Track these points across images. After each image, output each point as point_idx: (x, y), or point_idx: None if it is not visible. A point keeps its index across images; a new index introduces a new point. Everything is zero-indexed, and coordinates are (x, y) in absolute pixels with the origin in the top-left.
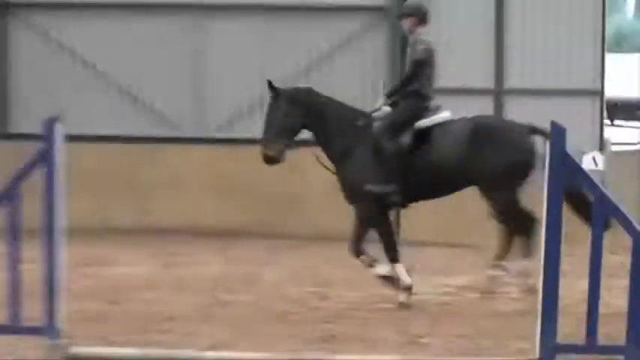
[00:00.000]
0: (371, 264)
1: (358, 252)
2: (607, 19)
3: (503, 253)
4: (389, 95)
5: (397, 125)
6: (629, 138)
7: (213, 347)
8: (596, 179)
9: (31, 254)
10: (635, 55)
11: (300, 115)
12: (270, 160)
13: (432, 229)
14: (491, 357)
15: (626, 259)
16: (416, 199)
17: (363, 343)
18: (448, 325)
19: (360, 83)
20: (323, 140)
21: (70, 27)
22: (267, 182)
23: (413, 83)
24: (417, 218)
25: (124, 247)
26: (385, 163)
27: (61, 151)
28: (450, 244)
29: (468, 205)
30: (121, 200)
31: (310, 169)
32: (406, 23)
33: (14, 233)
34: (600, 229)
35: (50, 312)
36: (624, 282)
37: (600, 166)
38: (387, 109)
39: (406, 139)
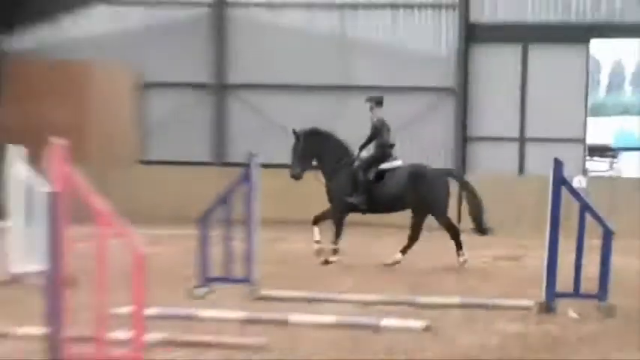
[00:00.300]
0: (316, 235)
1: (316, 222)
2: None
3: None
4: (360, 148)
5: (367, 165)
6: (602, 168)
7: (348, 290)
8: (582, 193)
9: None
10: (607, 118)
11: (308, 149)
12: (293, 177)
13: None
14: (515, 298)
15: (599, 243)
16: (374, 212)
17: (440, 290)
18: (488, 281)
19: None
20: (321, 165)
21: (275, 103)
22: None
23: (374, 140)
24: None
25: (292, 231)
26: (358, 187)
27: (257, 174)
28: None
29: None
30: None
31: None
32: (369, 106)
33: (229, 222)
34: (583, 226)
35: (249, 270)
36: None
37: (584, 185)
38: (362, 154)
39: (372, 174)
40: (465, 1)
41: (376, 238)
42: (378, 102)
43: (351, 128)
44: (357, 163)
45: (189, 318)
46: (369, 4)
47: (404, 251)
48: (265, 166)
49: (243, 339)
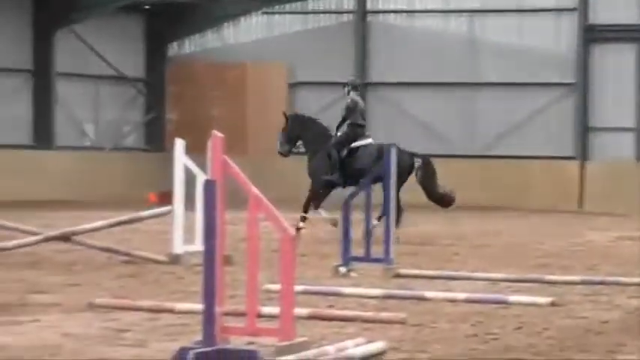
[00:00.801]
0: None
1: (316, 207)
2: None
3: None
4: (337, 128)
5: (339, 144)
6: None
7: (477, 270)
8: None
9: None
10: None
11: (293, 130)
12: (280, 154)
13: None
14: (636, 276)
15: None
16: (350, 184)
17: (564, 268)
18: (611, 260)
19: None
20: (304, 145)
21: (411, 99)
22: None
23: (347, 120)
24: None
25: (425, 214)
26: (333, 164)
27: (394, 162)
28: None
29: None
30: None
31: None
32: (346, 89)
33: (369, 206)
34: None
35: (386, 250)
36: None
37: None
38: (338, 133)
39: (344, 151)
40: (583, 4)
41: (506, 220)
42: (354, 87)
43: (479, 121)
44: (331, 142)
45: (332, 294)
46: (498, 9)
47: (380, 219)
48: None
49: (383, 314)
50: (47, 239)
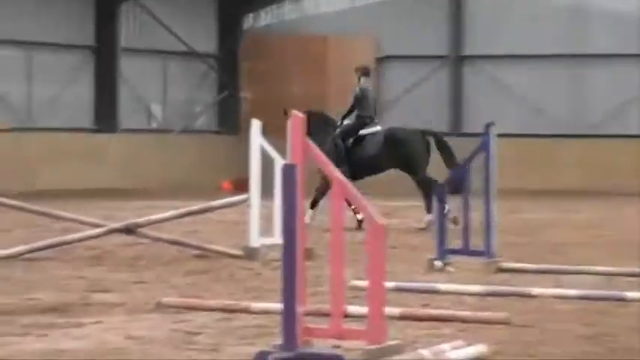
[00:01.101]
0: (313, 208)
1: (314, 203)
2: None
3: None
4: (343, 118)
5: (345, 133)
6: None
7: (587, 262)
8: None
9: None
10: None
11: None
12: None
13: None
14: None
15: None
16: (358, 177)
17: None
18: None
19: None
20: (310, 137)
21: (511, 73)
22: None
23: (355, 110)
24: None
25: (530, 201)
26: (339, 154)
27: (494, 144)
28: None
29: None
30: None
31: None
32: (357, 74)
33: (467, 193)
34: None
35: (487, 242)
36: None
37: None
38: (345, 122)
39: (350, 140)
40: None
41: (615, 209)
42: (365, 73)
43: (588, 96)
44: (336, 132)
45: (426, 291)
46: None
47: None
48: (502, 135)
49: (484, 313)
50: (110, 232)
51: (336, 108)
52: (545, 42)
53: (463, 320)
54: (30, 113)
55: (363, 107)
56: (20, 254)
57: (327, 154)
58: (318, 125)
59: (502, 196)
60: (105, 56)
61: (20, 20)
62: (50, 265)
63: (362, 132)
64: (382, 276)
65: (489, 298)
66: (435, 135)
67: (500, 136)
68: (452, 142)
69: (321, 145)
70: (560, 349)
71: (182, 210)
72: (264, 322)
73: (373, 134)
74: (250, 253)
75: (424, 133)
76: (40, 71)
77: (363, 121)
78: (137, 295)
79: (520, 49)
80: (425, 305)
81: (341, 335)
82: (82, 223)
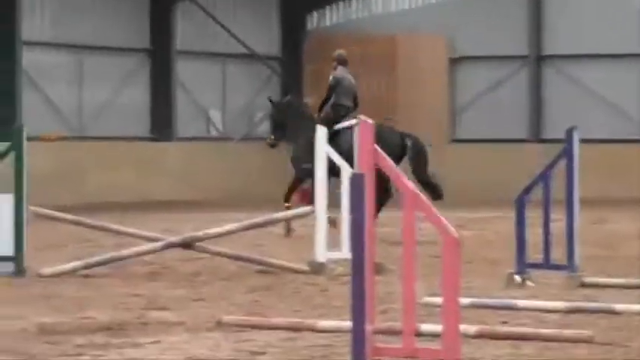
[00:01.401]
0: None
1: (287, 199)
2: None
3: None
4: (319, 109)
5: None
6: None
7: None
8: None
9: (557, 216)
10: None
11: (277, 118)
12: (269, 146)
13: None
14: None
15: None
16: (334, 174)
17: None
18: None
19: None
20: (288, 132)
21: (594, 74)
22: None
23: (330, 99)
24: None
25: (615, 210)
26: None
27: (577, 150)
28: None
29: None
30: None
31: None
32: (332, 64)
33: (548, 203)
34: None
35: (570, 254)
36: None
37: None
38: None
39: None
40: None
41: None
42: (340, 61)
43: None
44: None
45: (505, 308)
46: None
47: None
48: (585, 141)
49: (567, 331)
50: (167, 246)
51: (406, 112)
52: (632, 40)
53: (545, 339)
54: (81, 121)
55: (337, 95)
56: (75, 270)
57: (304, 147)
58: (294, 117)
59: (584, 206)
60: (160, 60)
61: (71, 23)
62: (105, 282)
63: (337, 126)
64: (457, 292)
65: (572, 315)
66: (414, 140)
67: (583, 141)
68: (532, 148)
69: (297, 139)
70: None
71: (244, 223)
72: (331, 341)
73: (347, 129)
74: (316, 268)
75: (403, 136)
76: (92, 76)
77: (338, 113)
78: (197, 312)
79: (604, 48)
80: (504, 323)
81: (413, 355)
82: (138, 237)
